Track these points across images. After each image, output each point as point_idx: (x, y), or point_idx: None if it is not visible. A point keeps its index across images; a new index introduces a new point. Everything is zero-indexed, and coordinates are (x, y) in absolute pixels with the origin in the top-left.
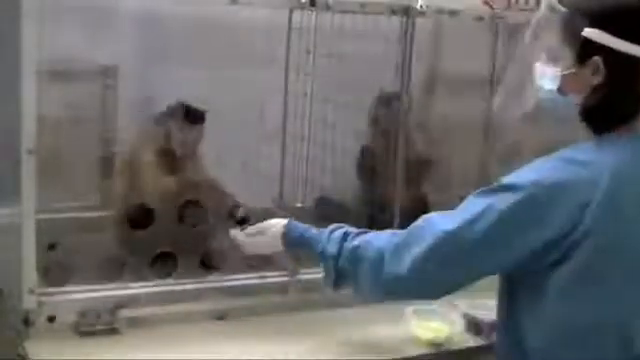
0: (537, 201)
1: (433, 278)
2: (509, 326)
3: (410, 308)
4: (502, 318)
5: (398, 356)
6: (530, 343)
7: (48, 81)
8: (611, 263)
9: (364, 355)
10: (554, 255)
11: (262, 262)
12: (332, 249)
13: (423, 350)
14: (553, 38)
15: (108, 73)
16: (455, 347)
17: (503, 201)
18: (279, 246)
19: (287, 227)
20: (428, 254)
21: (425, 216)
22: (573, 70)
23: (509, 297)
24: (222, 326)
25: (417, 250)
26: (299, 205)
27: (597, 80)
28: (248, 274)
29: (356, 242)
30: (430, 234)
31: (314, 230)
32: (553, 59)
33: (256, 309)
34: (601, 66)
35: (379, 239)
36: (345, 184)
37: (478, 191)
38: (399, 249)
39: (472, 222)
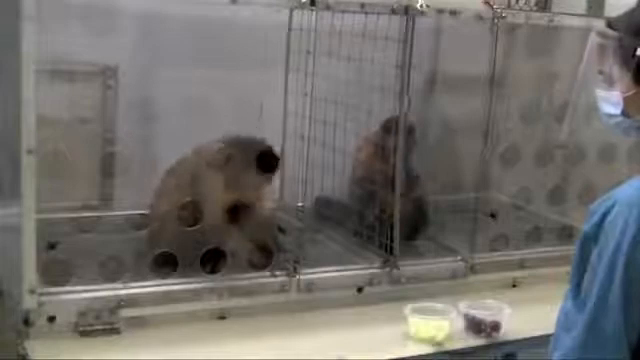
0: None
1: None
2: None
3: (409, 307)
4: None
5: (398, 356)
6: None
7: (48, 81)
8: None
9: (364, 355)
10: None
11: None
12: None
13: (423, 349)
14: (608, 62)
15: (108, 73)
16: (455, 346)
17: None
18: None
19: None
20: None
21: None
22: (634, 91)
23: None
24: (222, 326)
25: None
26: (299, 205)
27: None
28: (248, 274)
29: None
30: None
31: None
32: (610, 83)
33: (256, 309)
34: None
35: None
36: (345, 184)
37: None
38: None
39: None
